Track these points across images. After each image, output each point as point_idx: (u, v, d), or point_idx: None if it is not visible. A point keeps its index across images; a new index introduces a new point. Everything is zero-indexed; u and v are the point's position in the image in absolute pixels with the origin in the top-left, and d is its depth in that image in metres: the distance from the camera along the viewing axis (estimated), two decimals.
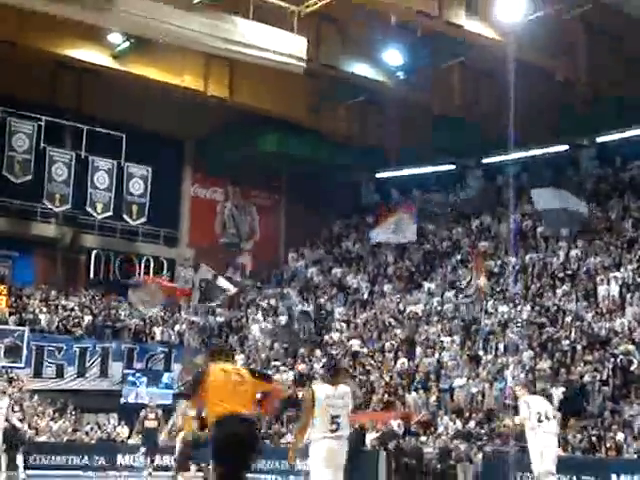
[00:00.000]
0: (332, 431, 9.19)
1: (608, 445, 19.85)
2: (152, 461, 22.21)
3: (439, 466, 21.69)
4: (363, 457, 22.33)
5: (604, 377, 22.04)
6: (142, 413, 22.56)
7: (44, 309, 31.49)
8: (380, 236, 33.11)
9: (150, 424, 22.07)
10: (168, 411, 24.70)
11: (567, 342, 24.01)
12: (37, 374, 29.50)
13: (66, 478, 23.99)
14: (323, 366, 29.20)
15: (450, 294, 30.04)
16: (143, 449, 22.62)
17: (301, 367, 29.90)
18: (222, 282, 32.38)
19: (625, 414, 20.74)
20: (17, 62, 30.64)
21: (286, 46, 26.05)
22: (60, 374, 29.83)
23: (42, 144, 34.05)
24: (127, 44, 29.50)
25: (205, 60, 31.26)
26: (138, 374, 30.24)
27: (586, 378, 22.20)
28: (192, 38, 25.30)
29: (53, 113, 34.30)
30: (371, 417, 25.03)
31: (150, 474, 21.83)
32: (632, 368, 21.67)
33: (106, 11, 23.87)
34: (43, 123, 33.99)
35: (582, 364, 22.75)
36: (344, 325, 31.86)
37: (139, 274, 35.28)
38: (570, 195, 27.45)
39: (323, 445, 9.20)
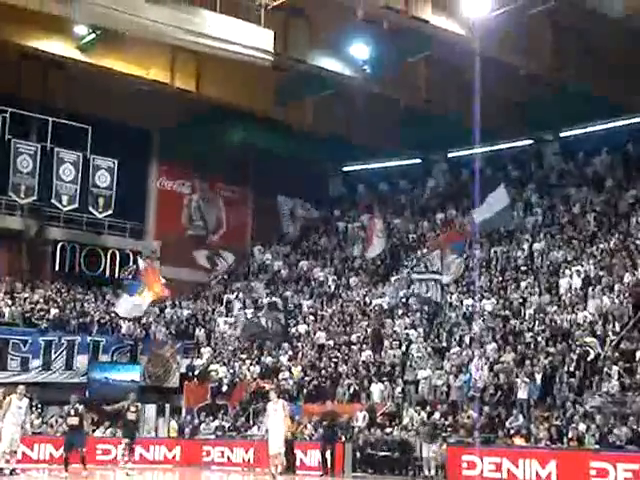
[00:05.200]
0: None
1: (570, 436, 20.14)
2: None
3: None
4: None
5: (567, 369, 22.30)
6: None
7: (9, 302, 31.24)
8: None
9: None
10: None
11: (530, 334, 24.29)
12: (1, 367, 29.28)
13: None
14: (290, 359, 29.39)
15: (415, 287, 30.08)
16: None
17: (268, 360, 30.01)
18: None
19: (587, 405, 21.00)
20: None
21: (253, 39, 25.95)
22: (25, 367, 29.67)
23: (7, 136, 33.79)
24: (93, 36, 29.24)
25: (172, 52, 31.08)
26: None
27: (549, 370, 22.45)
28: (158, 30, 25.07)
29: (18, 105, 34.02)
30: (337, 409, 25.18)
31: None
32: (590, 359, 21.91)
33: (72, 2, 23.66)
34: (8, 115, 33.71)
35: (545, 356, 23.00)
36: (311, 318, 31.93)
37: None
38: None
39: None
